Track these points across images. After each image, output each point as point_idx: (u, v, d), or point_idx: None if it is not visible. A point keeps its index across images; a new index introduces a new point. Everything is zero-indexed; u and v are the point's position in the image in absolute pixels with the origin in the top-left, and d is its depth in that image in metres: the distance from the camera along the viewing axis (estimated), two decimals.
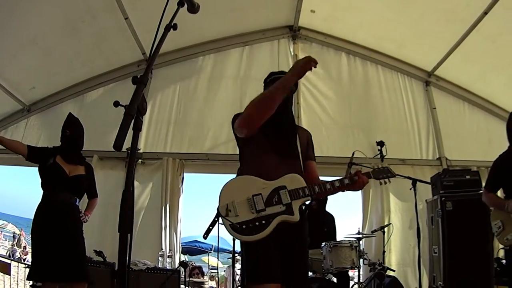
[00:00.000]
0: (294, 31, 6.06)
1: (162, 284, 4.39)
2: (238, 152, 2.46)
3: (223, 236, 5.54)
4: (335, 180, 2.30)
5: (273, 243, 2.12)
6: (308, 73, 6.37)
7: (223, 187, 2.23)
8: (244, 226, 2.12)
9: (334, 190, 2.32)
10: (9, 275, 6.60)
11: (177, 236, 5.33)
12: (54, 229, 3.37)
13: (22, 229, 18.24)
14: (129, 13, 5.21)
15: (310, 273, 4.50)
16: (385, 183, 2.46)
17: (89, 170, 3.77)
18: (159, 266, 4.95)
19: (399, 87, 6.08)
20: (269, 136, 2.34)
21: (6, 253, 13.48)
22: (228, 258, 9.62)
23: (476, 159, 5.71)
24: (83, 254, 3.64)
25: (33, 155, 3.61)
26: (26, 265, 8.59)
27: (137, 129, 1.56)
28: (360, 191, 5.37)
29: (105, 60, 5.94)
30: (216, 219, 2.25)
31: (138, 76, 1.60)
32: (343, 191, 2.33)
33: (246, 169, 2.35)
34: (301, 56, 5.97)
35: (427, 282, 4.65)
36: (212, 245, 11.89)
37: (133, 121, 1.53)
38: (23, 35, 5.05)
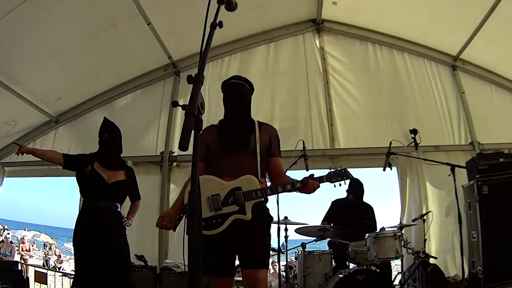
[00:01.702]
0: (318, 24, 6.00)
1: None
2: None
3: None
4: (287, 184, 2.53)
5: (228, 238, 2.40)
6: (336, 65, 6.34)
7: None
8: (203, 223, 2.38)
9: (285, 191, 2.54)
10: (46, 284, 6.71)
11: None
12: (96, 237, 3.36)
13: (52, 238, 18.74)
14: (151, 18, 5.22)
15: (353, 265, 4.49)
16: (340, 185, 2.64)
17: (130, 174, 3.75)
18: None
19: (427, 73, 5.99)
20: (222, 138, 2.63)
21: (42, 263, 13.88)
22: None
23: (506, 141, 5.60)
24: (127, 262, 3.64)
25: (69, 163, 3.60)
26: (62, 273, 8.75)
27: (198, 129, 1.55)
28: (397, 180, 5.42)
29: (131, 67, 5.99)
30: (182, 214, 2.53)
31: (193, 75, 1.59)
32: (296, 192, 2.52)
33: (208, 169, 2.62)
34: (327, 49, 5.99)
35: (466, 268, 4.62)
36: None
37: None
38: (44, 48, 5.13)
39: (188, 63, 5.98)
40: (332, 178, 2.60)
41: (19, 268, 5.94)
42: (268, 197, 2.58)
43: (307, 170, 4.50)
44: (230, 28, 5.71)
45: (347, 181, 2.64)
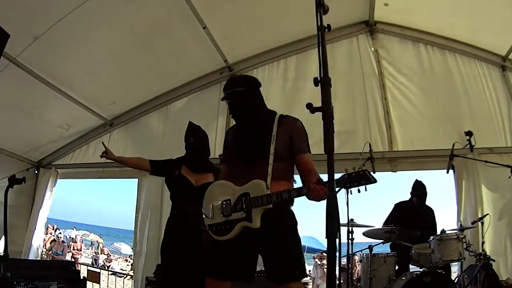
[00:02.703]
0: (370, 26, 5.95)
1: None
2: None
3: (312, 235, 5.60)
4: (293, 190, 2.30)
5: (241, 245, 2.33)
6: (390, 67, 6.30)
7: (207, 191, 2.54)
8: (214, 228, 2.43)
9: (290, 198, 2.31)
10: (99, 283, 6.87)
11: None
12: (182, 241, 3.41)
13: (101, 237, 19.27)
14: (207, 22, 5.24)
15: (414, 267, 4.54)
16: (359, 191, 2.28)
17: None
18: None
19: (478, 75, 5.90)
20: (235, 145, 2.59)
21: (91, 261, 14.28)
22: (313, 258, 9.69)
23: None
24: None
25: (156, 169, 3.70)
26: (112, 272, 8.94)
27: (332, 130, 1.58)
28: (453, 182, 5.39)
29: (185, 70, 6.06)
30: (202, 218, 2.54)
31: (318, 78, 1.62)
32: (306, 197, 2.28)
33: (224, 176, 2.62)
34: (381, 52, 5.95)
35: None
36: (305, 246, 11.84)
37: None
38: (98, 52, 5.23)
39: (243, 66, 6.03)
40: (346, 183, 2.20)
41: (76, 268, 6.07)
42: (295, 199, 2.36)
43: (374, 172, 4.54)
44: (286, 31, 5.76)
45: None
